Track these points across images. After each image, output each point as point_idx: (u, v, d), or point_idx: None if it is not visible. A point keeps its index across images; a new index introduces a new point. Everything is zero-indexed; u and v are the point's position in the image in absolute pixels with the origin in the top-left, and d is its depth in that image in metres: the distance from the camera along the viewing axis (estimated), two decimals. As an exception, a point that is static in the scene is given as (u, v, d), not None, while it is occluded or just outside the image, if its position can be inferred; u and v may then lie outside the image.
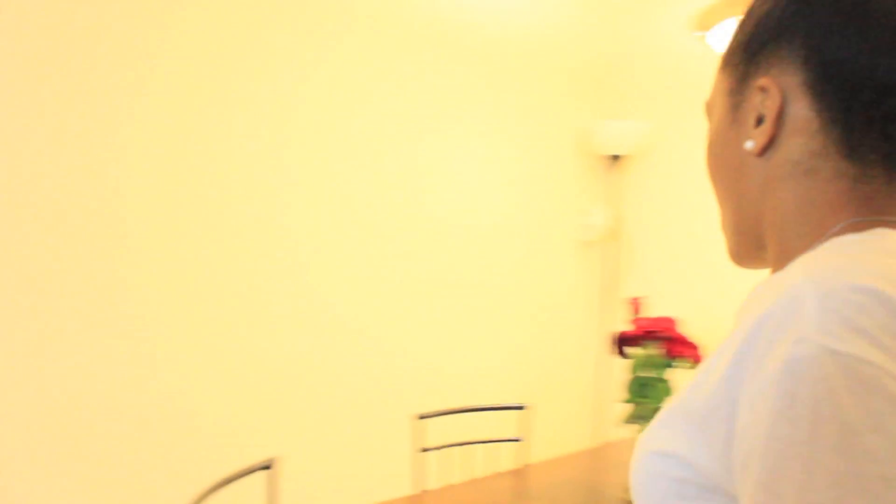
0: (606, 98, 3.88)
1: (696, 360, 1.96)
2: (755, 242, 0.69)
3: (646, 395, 1.99)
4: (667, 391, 1.97)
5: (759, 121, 0.65)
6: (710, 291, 3.54)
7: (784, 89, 0.63)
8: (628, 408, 2.04)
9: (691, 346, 1.97)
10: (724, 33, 2.08)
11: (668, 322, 2.01)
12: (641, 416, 2.00)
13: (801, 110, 0.62)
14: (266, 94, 2.54)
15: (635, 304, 2.14)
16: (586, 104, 3.77)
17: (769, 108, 0.63)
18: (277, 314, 2.60)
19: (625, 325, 3.79)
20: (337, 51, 2.73)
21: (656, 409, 1.99)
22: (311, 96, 2.66)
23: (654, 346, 2.01)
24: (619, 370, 3.77)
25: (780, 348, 0.49)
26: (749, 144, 0.66)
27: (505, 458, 2.86)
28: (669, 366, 1.99)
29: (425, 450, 2.24)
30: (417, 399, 3.06)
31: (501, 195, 3.35)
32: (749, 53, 0.66)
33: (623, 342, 2.08)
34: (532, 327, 3.55)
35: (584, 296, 3.83)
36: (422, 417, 2.29)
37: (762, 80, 0.64)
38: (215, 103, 2.43)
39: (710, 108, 0.73)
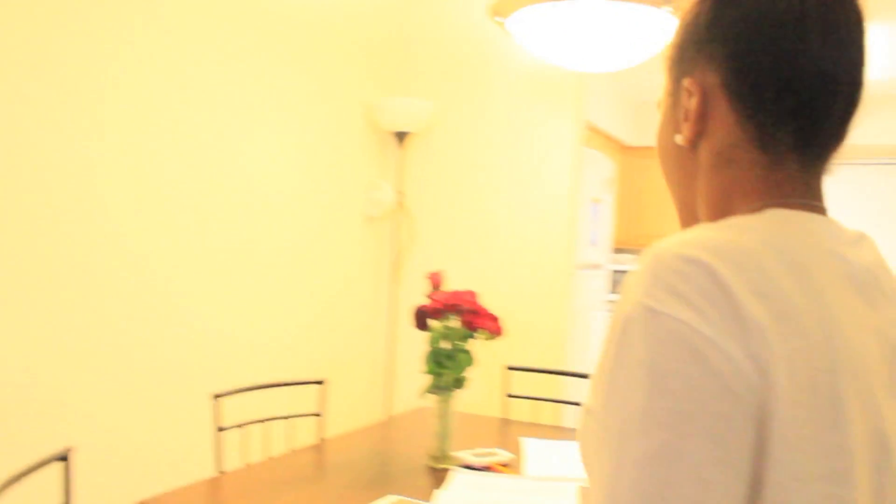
0: (395, 75, 3.93)
1: (497, 331, 2.05)
2: (695, 223, 0.77)
3: (446, 367, 2.06)
4: (468, 361, 2.05)
5: (686, 117, 0.73)
6: (490, 264, 3.72)
7: (705, 89, 0.71)
8: (428, 379, 2.10)
9: (492, 318, 2.06)
10: (523, 19, 2.18)
11: (470, 295, 2.09)
12: (442, 386, 2.07)
13: (721, 108, 0.70)
14: (66, 75, 2.30)
15: (435, 278, 2.20)
16: (375, 80, 3.78)
17: (691, 106, 0.72)
18: (65, 294, 2.37)
19: (422, 299, 3.88)
20: (131, 28, 2.51)
21: (458, 379, 2.07)
22: (100, 72, 2.43)
23: (455, 318, 2.08)
24: (416, 342, 3.86)
25: (623, 308, 0.60)
26: (678, 138, 0.74)
27: (304, 434, 2.84)
28: (471, 337, 2.06)
29: (222, 429, 2.17)
30: (214, 378, 2.94)
31: (292, 170, 3.28)
32: (679, 58, 0.74)
33: (424, 315, 2.13)
34: (325, 302, 3.53)
35: (373, 270, 3.86)
36: (218, 396, 2.21)
37: (686, 82, 0.72)
38: (22, 88, 2.16)
39: (659, 107, 0.81)
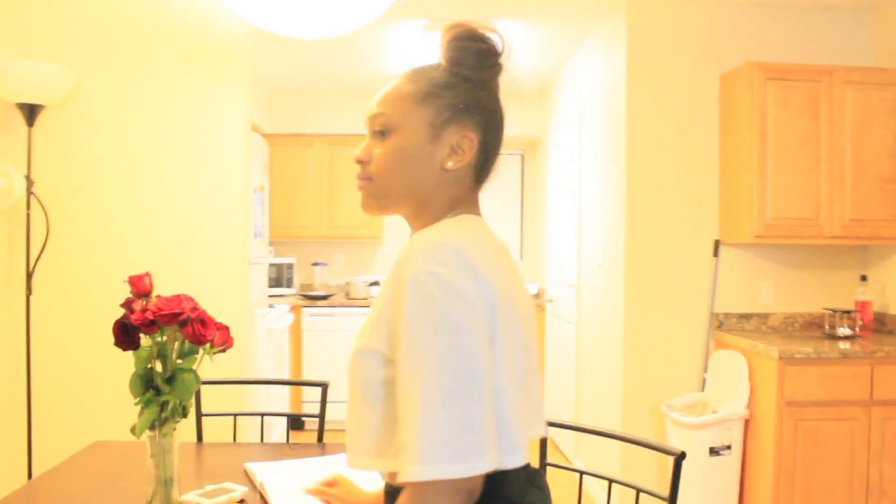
0: (19, 30, 3.17)
1: (229, 343, 1.70)
2: (412, 211, 1.21)
3: (167, 392, 1.65)
4: (196, 382, 1.66)
5: (454, 151, 1.18)
6: (151, 264, 3.20)
7: (473, 140, 1.19)
8: (140, 410, 1.66)
9: (222, 328, 1.69)
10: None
11: (190, 301, 1.69)
12: (161, 418, 1.65)
13: (473, 153, 1.19)
14: None
15: (139, 283, 1.75)
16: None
17: (468, 148, 1.18)
18: None
19: (73, 311, 3.17)
20: None
21: (181, 407, 1.66)
22: None
23: (172, 331, 1.67)
24: (69, 367, 3.18)
25: (404, 274, 1.02)
26: (450, 164, 1.18)
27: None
28: (196, 352, 1.68)
29: None
30: None
31: None
32: (455, 113, 1.17)
33: (132, 330, 1.68)
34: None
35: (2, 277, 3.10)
36: None
37: (468, 133, 1.18)
38: None
39: (393, 124, 1.18)
